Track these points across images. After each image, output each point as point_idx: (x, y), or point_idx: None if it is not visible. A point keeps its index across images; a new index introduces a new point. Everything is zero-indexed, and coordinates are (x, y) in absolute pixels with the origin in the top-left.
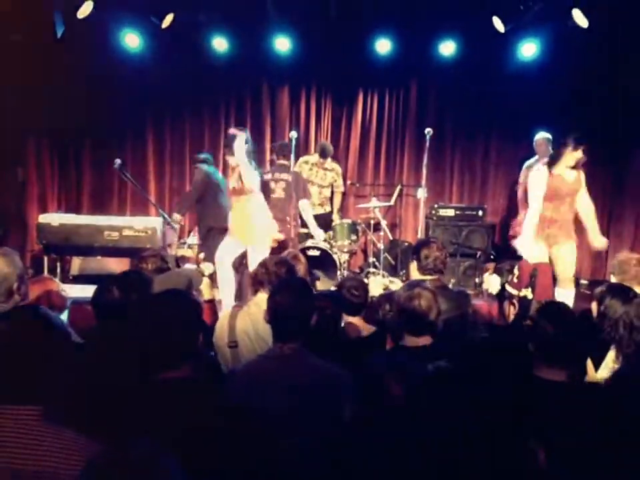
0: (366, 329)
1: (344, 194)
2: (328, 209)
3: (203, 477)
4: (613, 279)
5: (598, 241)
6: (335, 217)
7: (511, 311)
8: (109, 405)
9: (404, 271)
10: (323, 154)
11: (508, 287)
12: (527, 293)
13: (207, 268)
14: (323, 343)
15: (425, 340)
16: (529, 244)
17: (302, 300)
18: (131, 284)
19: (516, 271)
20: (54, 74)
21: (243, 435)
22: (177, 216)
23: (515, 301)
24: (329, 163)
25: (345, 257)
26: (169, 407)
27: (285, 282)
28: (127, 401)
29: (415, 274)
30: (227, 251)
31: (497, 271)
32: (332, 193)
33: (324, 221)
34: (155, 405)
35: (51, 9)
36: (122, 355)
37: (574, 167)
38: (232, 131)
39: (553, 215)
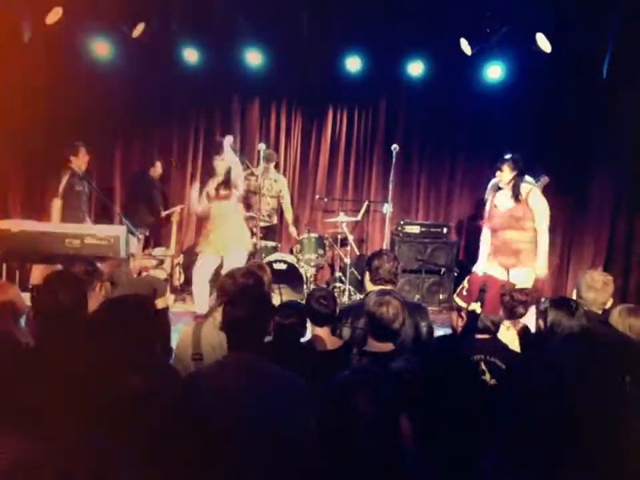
0: (332, 342)
1: (292, 205)
2: (275, 220)
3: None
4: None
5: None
6: (292, 230)
7: (459, 323)
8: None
9: None
10: (268, 158)
11: (456, 299)
12: (476, 307)
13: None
14: (285, 355)
15: (387, 346)
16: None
17: (257, 310)
18: (65, 284)
19: (465, 284)
20: (20, 78)
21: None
22: None
23: (463, 314)
24: (274, 173)
25: (312, 270)
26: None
27: (240, 291)
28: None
29: (368, 285)
30: (206, 267)
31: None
32: (278, 204)
33: (272, 233)
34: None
35: (19, 14)
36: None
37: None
38: (220, 138)
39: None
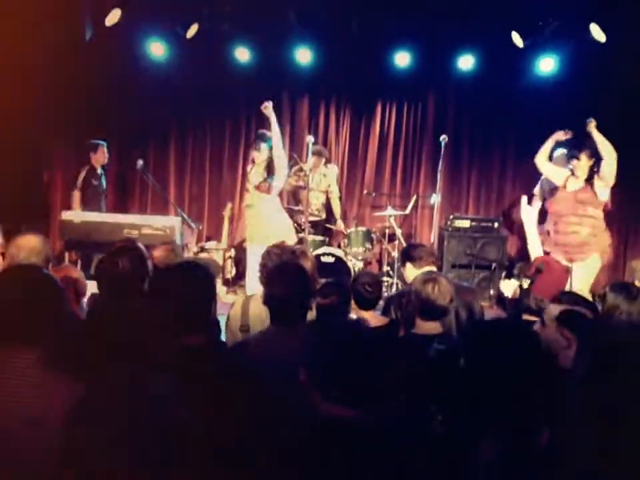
0: (377, 321)
1: (340, 199)
2: (323, 215)
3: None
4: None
5: None
6: (339, 224)
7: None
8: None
9: None
10: (318, 153)
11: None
12: (525, 282)
13: None
14: (326, 331)
15: (435, 327)
16: None
17: (295, 288)
18: (131, 257)
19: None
20: (81, 78)
21: (256, 398)
22: None
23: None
24: (323, 168)
25: (360, 264)
26: (191, 369)
27: (279, 269)
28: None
29: (411, 273)
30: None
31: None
32: (327, 199)
33: (321, 228)
34: (178, 366)
35: (81, 13)
36: (139, 319)
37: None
38: (263, 130)
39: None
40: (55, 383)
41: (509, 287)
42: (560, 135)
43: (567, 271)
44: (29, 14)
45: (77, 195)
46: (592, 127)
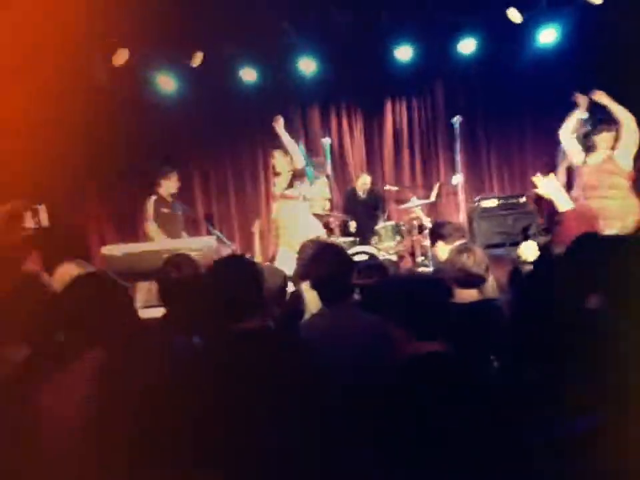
0: None
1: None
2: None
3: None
4: None
5: None
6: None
7: None
8: None
9: None
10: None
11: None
12: (541, 240)
13: None
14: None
15: (472, 295)
16: None
17: (337, 264)
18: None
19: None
20: (98, 120)
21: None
22: None
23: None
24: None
25: (394, 258)
26: (250, 353)
27: (320, 250)
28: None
29: (442, 251)
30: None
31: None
32: None
33: (347, 229)
34: (238, 351)
35: (92, 57)
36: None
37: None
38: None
39: None
40: None
41: (528, 251)
42: (582, 110)
43: (596, 217)
44: (48, 68)
45: (152, 226)
46: (601, 96)
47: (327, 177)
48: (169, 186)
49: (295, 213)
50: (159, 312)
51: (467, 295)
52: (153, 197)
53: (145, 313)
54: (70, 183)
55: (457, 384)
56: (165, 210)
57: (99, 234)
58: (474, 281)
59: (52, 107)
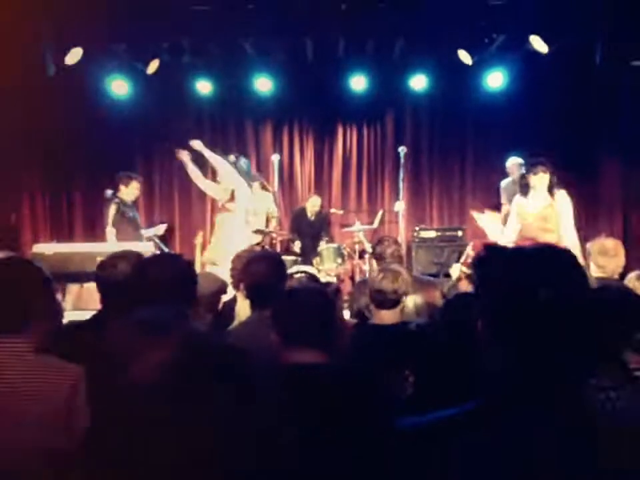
0: None
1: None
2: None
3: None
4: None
5: None
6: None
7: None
8: None
9: None
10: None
11: (462, 267)
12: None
13: None
14: None
15: (391, 317)
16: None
17: (271, 269)
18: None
19: (469, 251)
20: (44, 114)
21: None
22: None
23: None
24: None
25: (334, 280)
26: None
27: (253, 257)
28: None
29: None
30: None
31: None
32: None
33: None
34: None
35: (42, 50)
36: None
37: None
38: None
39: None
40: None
41: (454, 270)
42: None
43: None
44: None
45: (111, 232)
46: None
47: (274, 193)
48: (128, 192)
49: (228, 225)
50: (88, 315)
51: (386, 316)
52: (115, 201)
53: (74, 316)
54: (7, 176)
55: (326, 397)
56: (128, 214)
57: (33, 232)
58: (387, 302)
59: None
